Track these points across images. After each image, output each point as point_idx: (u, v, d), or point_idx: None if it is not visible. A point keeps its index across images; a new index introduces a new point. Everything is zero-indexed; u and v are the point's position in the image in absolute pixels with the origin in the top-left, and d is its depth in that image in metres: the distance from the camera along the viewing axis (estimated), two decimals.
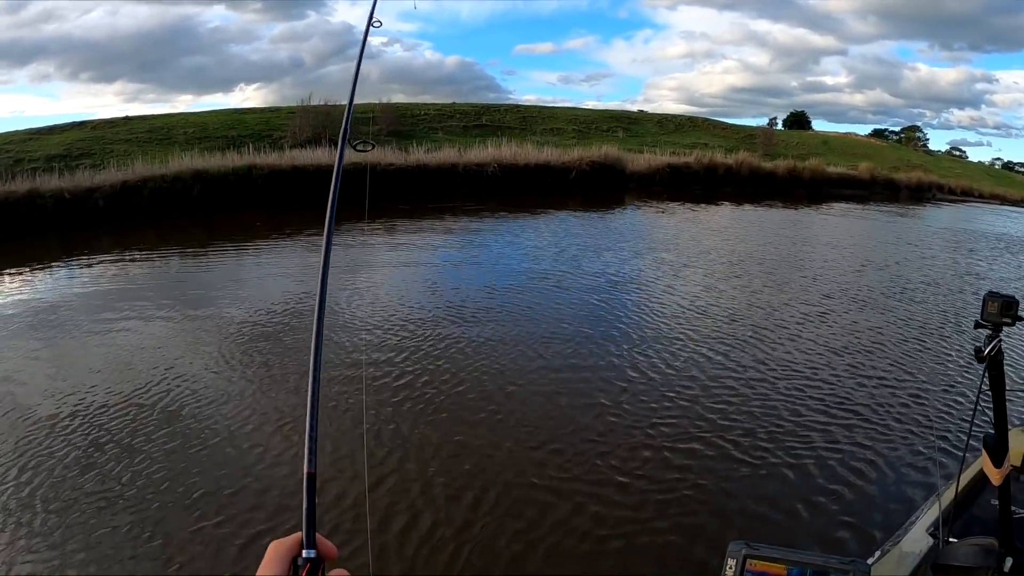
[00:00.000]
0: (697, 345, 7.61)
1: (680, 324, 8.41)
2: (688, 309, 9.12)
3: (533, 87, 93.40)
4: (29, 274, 11.99)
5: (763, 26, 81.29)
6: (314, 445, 0.76)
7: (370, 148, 1.52)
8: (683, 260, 12.63)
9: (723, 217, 19.92)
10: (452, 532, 4.15)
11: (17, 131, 22.45)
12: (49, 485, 4.80)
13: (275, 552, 0.69)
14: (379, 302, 9.29)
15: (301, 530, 0.70)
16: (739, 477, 4.74)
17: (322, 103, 23.91)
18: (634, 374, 6.71)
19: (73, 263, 12.72)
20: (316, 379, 0.81)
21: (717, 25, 79.08)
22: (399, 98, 29.23)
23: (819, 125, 50.02)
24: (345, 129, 1.16)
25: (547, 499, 4.53)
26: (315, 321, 0.86)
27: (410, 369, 6.75)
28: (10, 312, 9.35)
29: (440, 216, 17.18)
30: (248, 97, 59.95)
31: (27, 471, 4.96)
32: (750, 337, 7.96)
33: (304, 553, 0.69)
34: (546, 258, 12.63)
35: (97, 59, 51.58)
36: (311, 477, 0.74)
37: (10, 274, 11.91)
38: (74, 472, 4.95)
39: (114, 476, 4.86)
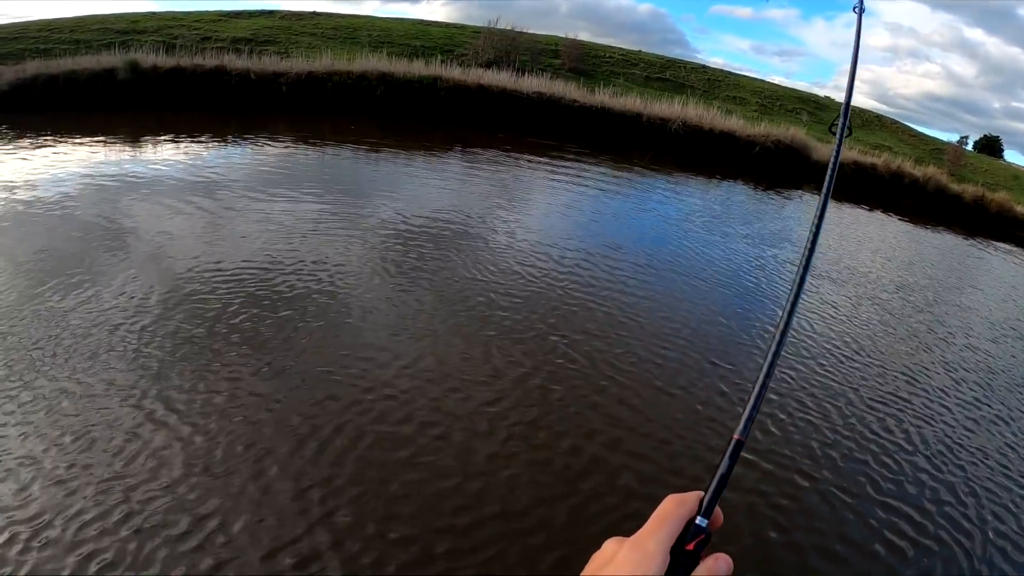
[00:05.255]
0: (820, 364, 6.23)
1: (812, 337, 6.83)
2: (829, 328, 7.30)
3: (722, 50, 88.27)
4: (205, 144, 12.10)
5: (977, 35, 72.29)
6: (755, 413, 0.69)
7: (847, 135, 1.08)
8: (850, 274, 10.23)
9: (902, 233, 16.71)
10: None
11: (207, 11, 22.58)
12: (190, 343, 4.79)
13: (676, 511, 0.61)
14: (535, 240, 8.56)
15: (703, 493, 0.63)
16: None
17: (509, 28, 22.44)
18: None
19: (248, 141, 12.66)
20: (781, 343, 0.74)
21: (927, 24, 70.84)
22: (584, 36, 27.28)
23: (1012, 156, 43.13)
24: (842, 126, 1.05)
25: None
26: (795, 286, 0.79)
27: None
28: (180, 175, 9.49)
29: (616, 163, 15.58)
30: (434, 11, 59.82)
31: (171, 325, 5.03)
32: (890, 376, 6.23)
33: (698, 520, 0.62)
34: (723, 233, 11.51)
35: None
36: (739, 444, 0.67)
37: (189, 141, 12.15)
38: (213, 334, 4.97)
39: (246, 344, 4.88)
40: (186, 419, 3.92)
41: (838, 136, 1.01)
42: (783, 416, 4.99)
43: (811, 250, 0.83)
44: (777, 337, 0.74)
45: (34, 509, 3.17)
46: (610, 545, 0.61)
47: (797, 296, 0.78)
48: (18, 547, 2.97)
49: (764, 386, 0.71)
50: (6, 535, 3.02)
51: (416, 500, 3.46)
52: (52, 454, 3.54)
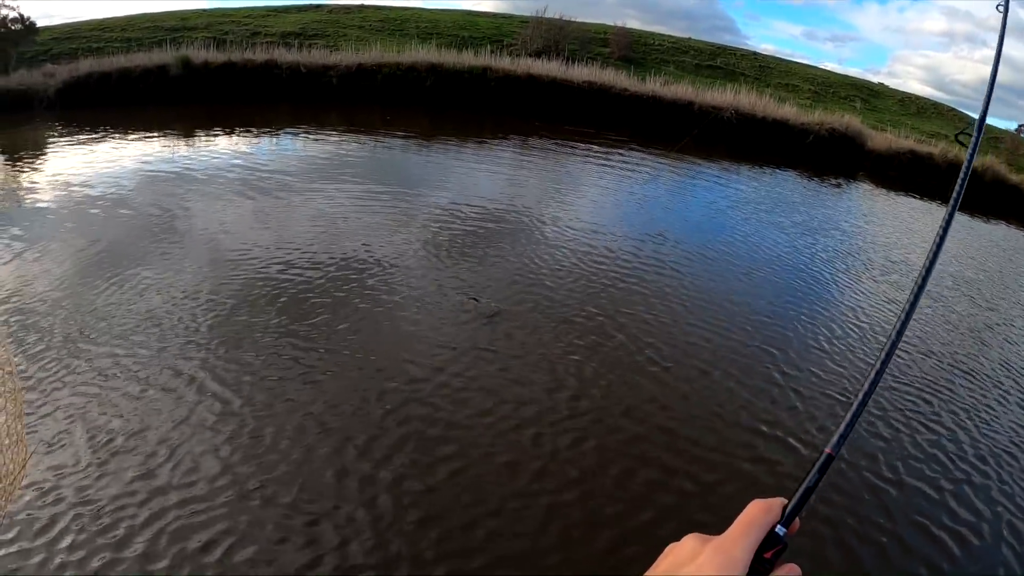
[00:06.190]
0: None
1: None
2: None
3: (773, 36, 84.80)
4: (257, 136, 12.37)
5: None
6: (849, 431, 0.68)
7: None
8: (905, 267, 9.50)
9: (957, 225, 15.08)
10: None
11: (256, 7, 22.85)
12: (244, 327, 4.92)
13: (762, 518, 0.60)
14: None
15: (787, 501, 0.62)
16: None
17: (556, 17, 22.09)
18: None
19: (299, 132, 12.84)
20: (885, 363, 0.72)
21: (984, 7, 67.07)
22: (633, 24, 26.68)
23: None
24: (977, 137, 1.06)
25: None
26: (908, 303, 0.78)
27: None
28: (232, 166, 9.68)
29: (668, 152, 15.08)
30: (481, 2, 59.11)
31: (223, 312, 5.14)
32: (947, 373, 5.90)
33: (778, 529, 0.60)
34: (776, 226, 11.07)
35: None
36: (829, 459, 0.66)
37: (241, 134, 12.39)
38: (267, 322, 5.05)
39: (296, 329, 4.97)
40: (238, 395, 4.07)
41: (970, 150, 0.98)
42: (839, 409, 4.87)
43: (934, 258, 0.82)
44: (882, 356, 0.71)
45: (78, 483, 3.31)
46: (690, 542, 0.59)
47: (909, 314, 0.76)
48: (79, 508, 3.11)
49: (863, 404, 0.69)
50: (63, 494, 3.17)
51: (455, 512, 3.45)
52: (102, 432, 3.70)
